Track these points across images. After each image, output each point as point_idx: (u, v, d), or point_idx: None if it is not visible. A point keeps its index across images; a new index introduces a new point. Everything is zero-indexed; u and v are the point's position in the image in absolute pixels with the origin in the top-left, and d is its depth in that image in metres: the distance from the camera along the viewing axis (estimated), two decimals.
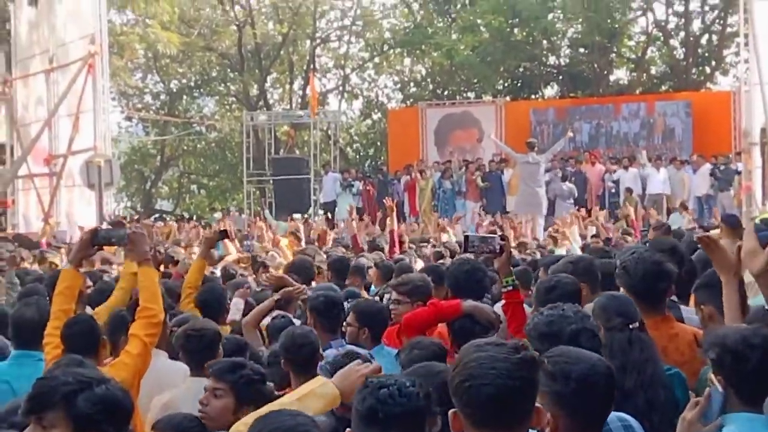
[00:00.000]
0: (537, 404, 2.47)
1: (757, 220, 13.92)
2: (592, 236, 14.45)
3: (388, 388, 2.62)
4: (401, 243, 11.76)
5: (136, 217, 28.49)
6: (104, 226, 10.53)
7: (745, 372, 3.06)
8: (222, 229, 7.24)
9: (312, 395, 3.15)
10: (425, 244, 13.43)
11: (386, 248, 11.20)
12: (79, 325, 4.71)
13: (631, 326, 3.75)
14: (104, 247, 5.66)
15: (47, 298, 5.44)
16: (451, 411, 2.45)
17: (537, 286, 4.93)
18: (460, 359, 2.46)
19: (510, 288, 5.09)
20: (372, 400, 2.60)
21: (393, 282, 6.28)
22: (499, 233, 6.85)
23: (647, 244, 6.24)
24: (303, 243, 13.75)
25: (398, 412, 2.57)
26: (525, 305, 5.29)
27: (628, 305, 3.92)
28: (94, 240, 4.91)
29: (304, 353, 4.62)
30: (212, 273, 8.49)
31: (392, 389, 2.61)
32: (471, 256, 6.29)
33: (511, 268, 5.28)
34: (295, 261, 8.35)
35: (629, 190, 21.99)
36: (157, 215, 34.56)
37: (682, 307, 5.07)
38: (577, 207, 20.25)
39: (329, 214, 24.70)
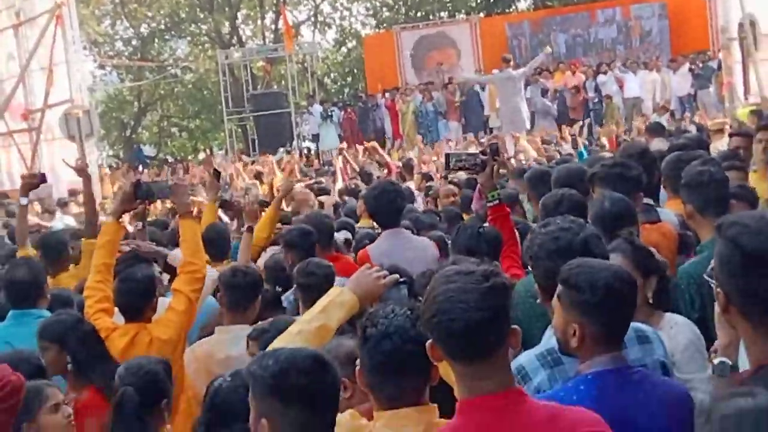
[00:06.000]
0: (513, 326, 2.40)
1: (739, 116, 13.95)
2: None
3: (391, 338, 2.62)
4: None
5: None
6: None
7: None
8: (215, 170, 7.21)
9: (332, 305, 3.13)
10: None
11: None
12: (134, 282, 4.55)
13: None
14: None
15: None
16: (428, 342, 2.40)
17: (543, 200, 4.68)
18: (430, 292, 2.39)
19: (496, 202, 5.03)
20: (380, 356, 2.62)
21: None
22: (480, 149, 6.80)
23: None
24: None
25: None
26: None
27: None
28: (137, 193, 4.85)
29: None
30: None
31: (395, 340, 2.62)
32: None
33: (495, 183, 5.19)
34: None
35: (609, 97, 21.97)
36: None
37: (659, 209, 5.13)
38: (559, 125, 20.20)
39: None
